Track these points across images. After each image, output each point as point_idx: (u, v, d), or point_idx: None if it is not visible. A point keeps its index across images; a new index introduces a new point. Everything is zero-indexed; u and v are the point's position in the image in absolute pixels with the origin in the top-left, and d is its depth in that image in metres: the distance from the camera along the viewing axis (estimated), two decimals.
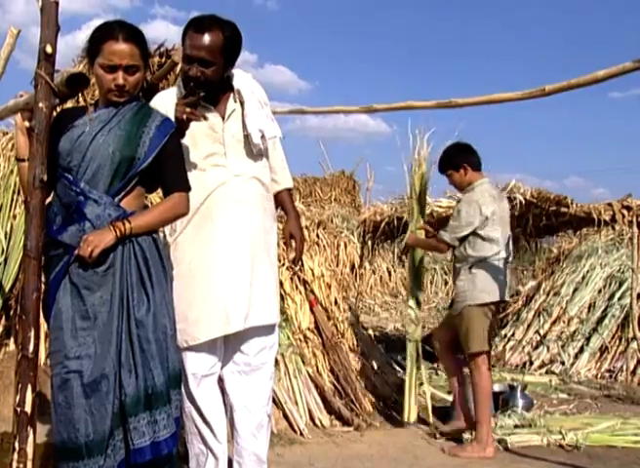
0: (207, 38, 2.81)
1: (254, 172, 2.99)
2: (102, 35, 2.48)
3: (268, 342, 3.04)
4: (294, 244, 3.24)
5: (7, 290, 4.29)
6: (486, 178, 4.48)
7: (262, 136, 2.98)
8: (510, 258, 4.52)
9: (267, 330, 3.02)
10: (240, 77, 3.06)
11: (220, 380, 3.07)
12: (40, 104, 2.33)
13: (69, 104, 4.05)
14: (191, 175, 2.81)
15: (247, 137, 2.97)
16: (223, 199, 2.90)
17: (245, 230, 2.93)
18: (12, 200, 4.63)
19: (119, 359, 2.41)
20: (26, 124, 2.41)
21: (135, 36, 2.49)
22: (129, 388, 2.40)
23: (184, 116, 2.77)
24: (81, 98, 4.45)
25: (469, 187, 4.41)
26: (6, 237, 4.46)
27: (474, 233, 4.28)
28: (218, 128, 2.94)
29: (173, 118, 2.71)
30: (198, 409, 2.96)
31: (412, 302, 4.77)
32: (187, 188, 2.63)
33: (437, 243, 4.47)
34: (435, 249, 4.72)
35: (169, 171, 2.58)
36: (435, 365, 7.14)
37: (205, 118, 2.85)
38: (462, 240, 4.31)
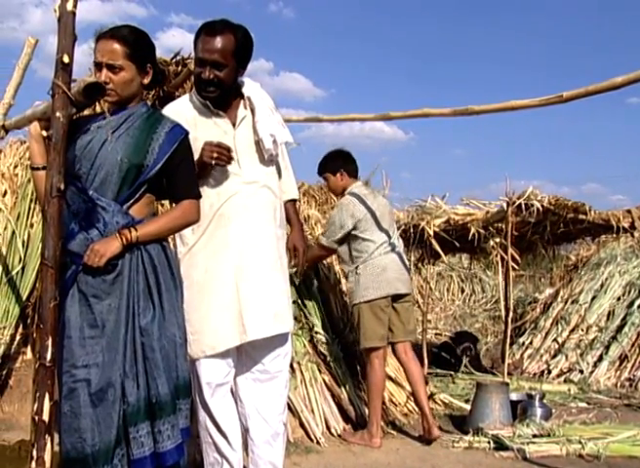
0: (219, 41, 2.83)
1: (265, 179, 3.01)
2: (98, 35, 2.52)
3: (283, 350, 3.05)
4: (297, 255, 3.31)
5: (24, 298, 4.32)
6: (359, 182, 4.78)
7: (274, 142, 2.99)
8: (401, 250, 4.73)
9: (282, 338, 3.02)
10: (249, 85, 3.08)
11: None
12: (57, 114, 2.34)
13: (86, 113, 4.08)
14: (204, 184, 2.84)
15: (258, 144, 2.98)
16: (237, 207, 2.91)
17: (258, 238, 2.94)
18: (29, 208, 4.66)
19: (124, 367, 2.39)
20: (44, 133, 2.42)
21: (121, 35, 2.49)
22: (130, 397, 2.38)
23: (213, 161, 2.81)
24: (98, 107, 4.47)
25: (343, 193, 4.71)
26: (24, 245, 4.49)
27: (352, 235, 4.54)
28: (229, 135, 2.95)
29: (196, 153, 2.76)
30: (212, 419, 2.95)
31: (317, 328, 4.92)
32: (197, 196, 2.62)
33: (319, 250, 4.71)
34: (319, 256, 4.85)
35: (178, 178, 2.56)
36: (452, 372, 7.11)
37: (230, 163, 2.88)
38: (342, 243, 4.58)
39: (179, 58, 4.88)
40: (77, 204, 2.45)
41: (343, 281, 5.64)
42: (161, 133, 2.52)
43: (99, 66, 2.49)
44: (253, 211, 2.93)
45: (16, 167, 4.99)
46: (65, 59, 2.33)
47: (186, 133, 2.60)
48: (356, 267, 4.54)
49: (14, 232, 4.52)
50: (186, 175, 2.59)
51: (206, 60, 2.85)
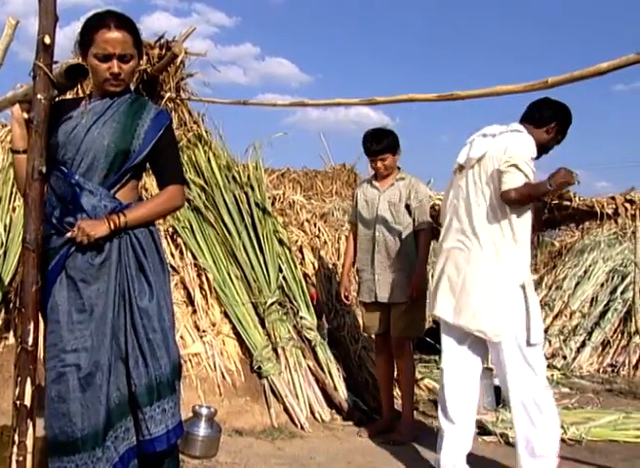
0: None
1: None
2: (95, 25, 2.44)
3: None
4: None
5: (6, 282, 4.29)
6: None
7: None
8: None
9: None
10: None
11: None
12: (39, 96, 2.31)
13: (69, 96, 4.03)
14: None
15: None
16: None
17: None
18: (11, 193, 4.62)
19: (126, 350, 2.41)
20: (25, 115, 2.39)
21: (127, 24, 2.46)
22: (140, 378, 2.41)
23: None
24: (80, 90, 4.42)
25: (401, 174, 4.50)
26: (5, 230, 4.45)
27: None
28: None
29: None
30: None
31: (302, 313, 4.88)
32: (182, 181, 2.63)
33: (426, 244, 4.51)
34: (427, 248, 4.59)
35: (164, 163, 2.56)
36: (436, 357, 7.14)
37: None
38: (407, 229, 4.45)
39: (162, 41, 4.85)
40: (63, 189, 2.43)
41: (330, 266, 5.64)
42: (146, 119, 2.50)
43: (107, 58, 2.42)
44: None
45: None
46: (47, 40, 2.29)
47: (171, 119, 2.60)
48: None
49: None
50: (172, 160, 2.59)
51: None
